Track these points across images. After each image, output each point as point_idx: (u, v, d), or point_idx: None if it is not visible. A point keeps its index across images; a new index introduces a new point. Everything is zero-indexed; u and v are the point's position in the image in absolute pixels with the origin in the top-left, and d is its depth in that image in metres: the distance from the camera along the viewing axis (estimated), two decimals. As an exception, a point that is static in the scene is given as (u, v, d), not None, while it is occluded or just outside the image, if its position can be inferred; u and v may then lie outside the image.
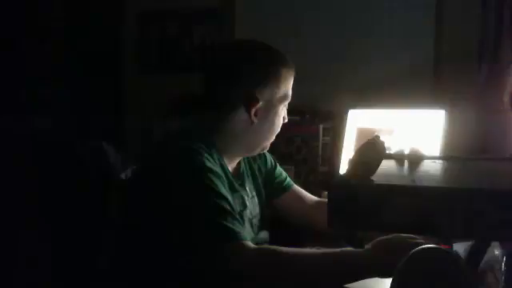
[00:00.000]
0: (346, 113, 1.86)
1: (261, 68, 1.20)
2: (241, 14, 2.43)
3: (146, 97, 2.55)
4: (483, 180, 0.84)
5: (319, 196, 1.95)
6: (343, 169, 1.67)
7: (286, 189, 1.45)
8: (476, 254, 0.85)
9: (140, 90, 2.61)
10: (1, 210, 2.11)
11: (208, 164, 1.08)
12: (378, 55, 2.15)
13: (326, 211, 0.77)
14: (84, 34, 2.59)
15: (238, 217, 1.07)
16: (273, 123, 1.23)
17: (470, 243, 0.90)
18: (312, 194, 1.99)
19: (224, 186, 1.10)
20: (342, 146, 1.84)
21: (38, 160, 2.27)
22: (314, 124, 2.06)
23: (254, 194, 1.33)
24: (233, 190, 1.19)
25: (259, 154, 1.37)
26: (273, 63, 1.21)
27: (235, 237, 1.01)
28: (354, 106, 1.87)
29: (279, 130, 1.26)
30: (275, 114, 1.22)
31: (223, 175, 1.14)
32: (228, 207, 1.04)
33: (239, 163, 1.30)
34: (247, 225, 1.23)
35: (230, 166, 1.24)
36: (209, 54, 2.43)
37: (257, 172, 1.37)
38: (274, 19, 2.32)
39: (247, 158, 1.34)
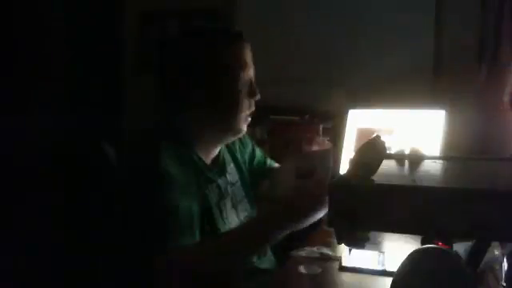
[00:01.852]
0: (346, 113, 1.86)
1: (197, 50, 1.18)
2: (241, 13, 2.43)
3: (145, 97, 2.55)
4: (483, 180, 0.84)
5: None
6: (343, 169, 1.67)
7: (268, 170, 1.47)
8: (476, 254, 0.85)
9: (140, 90, 2.61)
10: (0, 209, 2.11)
11: (166, 167, 1.09)
12: (378, 55, 2.15)
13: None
14: (84, 33, 2.59)
15: (184, 223, 1.07)
16: (233, 105, 1.19)
17: (470, 243, 0.90)
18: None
19: (183, 186, 1.11)
20: (342, 146, 1.84)
21: (37, 160, 2.27)
22: (314, 124, 2.06)
23: (237, 178, 1.33)
24: (208, 181, 1.20)
25: (240, 139, 1.38)
26: (210, 42, 1.19)
27: (168, 247, 1.02)
28: (354, 106, 1.87)
29: (250, 108, 1.23)
30: (232, 94, 1.19)
31: (192, 171, 1.15)
32: (173, 216, 1.05)
33: (219, 152, 1.30)
34: (230, 212, 1.24)
35: (208, 156, 1.25)
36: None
37: (239, 156, 1.38)
38: (274, 19, 2.32)
39: (226, 144, 1.34)
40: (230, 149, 1.36)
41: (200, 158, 1.21)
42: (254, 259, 1.26)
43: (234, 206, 1.28)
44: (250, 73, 1.21)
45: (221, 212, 1.21)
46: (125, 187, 1.13)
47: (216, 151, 1.28)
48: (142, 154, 1.15)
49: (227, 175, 1.30)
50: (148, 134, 1.25)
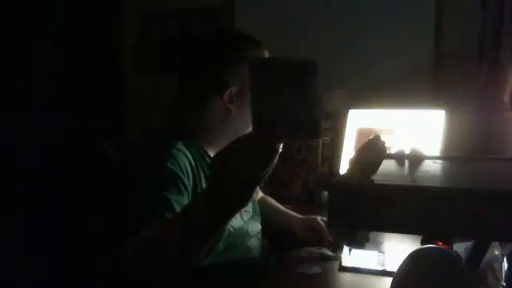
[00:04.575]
0: (346, 113, 1.86)
1: (227, 52, 1.19)
2: (241, 14, 2.43)
3: (145, 97, 2.55)
4: (483, 180, 0.84)
5: (319, 196, 1.96)
6: (343, 169, 1.67)
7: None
8: (476, 254, 0.85)
9: (140, 90, 2.61)
10: (0, 210, 2.11)
11: (173, 167, 1.07)
12: (378, 55, 2.15)
13: (327, 211, 0.77)
14: (84, 33, 2.59)
15: None
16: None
17: (469, 243, 0.90)
18: (312, 194, 2.00)
19: (190, 186, 1.09)
20: (342, 146, 1.84)
21: (37, 160, 2.27)
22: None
23: None
24: None
25: None
26: (240, 45, 1.20)
27: None
28: (354, 106, 1.87)
29: None
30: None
31: (203, 171, 1.15)
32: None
33: None
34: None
35: None
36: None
37: None
38: (274, 19, 2.32)
39: None
40: None
41: (210, 158, 1.22)
42: (257, 255, 1.28)
43: None
44: None
45: None
46: (128, 186, 1.12)
47: None
48: (153, 153, 1.14)
49: None
50: (162, 133, 1.25)
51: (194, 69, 1.23)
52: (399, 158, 0.95)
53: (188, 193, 1.10)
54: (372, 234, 1.27)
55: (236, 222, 1.24)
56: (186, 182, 1.10)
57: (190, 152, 1.15)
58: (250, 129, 1.09)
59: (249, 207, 1.34)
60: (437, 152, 1.55)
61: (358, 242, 1.16)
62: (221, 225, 0.78)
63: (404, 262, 0.81)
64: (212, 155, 1.22)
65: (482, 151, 1.70)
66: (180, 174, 1.09)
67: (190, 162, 1.13)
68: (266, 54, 1.23)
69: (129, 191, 1.10)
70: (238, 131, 1.24)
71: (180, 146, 1.13)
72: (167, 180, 1.07)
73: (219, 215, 0.75)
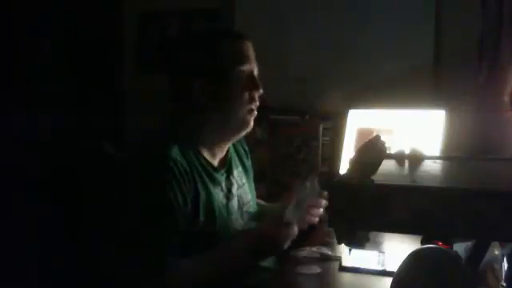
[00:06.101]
0: (346, 113, 1.86)
1: (195, 48, 1.21)
2: (241, 13, 2.43)
3: (145, 97, 2.55)
4: (483, 180, 0.84)
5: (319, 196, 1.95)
6: (343, 169, 1.67)
7: None
8: (476, 253, 0.85)
9: (140, 90, 2.61)
10: (0, 210, 2.11)
11: (168, 174, 1.11)
12: (378, 55, 2.15)
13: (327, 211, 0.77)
14: (84, 33, 2.59)
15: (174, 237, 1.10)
16: (234, 99, 1.20)
17: (469, 243, 0.90)
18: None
19: (185, 184, 1.12)
20: (342, 146, 1.84)
21: (37, 160, 2.27)
22: (314, 124, 2.06)
23: (245, 181, 1.34)
24: (214, 182, 1.21)
25: (245, 151, 1.39)
26: (208, 40, 1.21)
27: (161, 269, 1.06)
28: (354, 106, 1.87)
29: (253, 104, 1.22)
30: (231, 89, 1.19)
31: (199, 174, 1.17)
32: (170, 228, 1.09)
33: (227, 153, 1.30)
34: (236, 213, 1.26)
35: (215, 157, 1.25)
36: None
37: (246, 163, 1.39)
38: (274, 19, 2.32)
39: (234, 146, 1.34)
40: (238, 153, 1.37)
41: (206, 160, 1.22)
42: None
43: (240, 208, 1.28)
44: (251, 67, 1.21)
45: (228, 213, 1.22)
46: (128, 189, 1.14)
47: (223, 152, 1.28)
48: (151, 155, 1.16)
49: (235, 177, 1.30)
50: (160, 133, 1.26)
51: (178, 70, 1.24)
52: (399, 157, 0.95)
53: (184, 198, 1.11)
54: (372, 234, 1.27)
55: (237, 223, 1.24)
56: (177, 192, 1.11)
57: (185, 156, 1.15)
58: (236, 120, 1.22)
59: (251, 209, 1.34)
60: (437, 152, 1.55)
61: (358, 242, 1.16)
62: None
63: (404, 261, 0.81)
64: (206, 156, 1.22)
65: (481, 151, 1.69)
66: (173, 183, 1.11)
67: (185, 169, 1.13)
68: (250, 46, 1.22)
69: (128, 193, 1.11)
70: (227, 130, 1.24)
71: (174, 152, 1.13)
72: (163, 191, 1.09)
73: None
